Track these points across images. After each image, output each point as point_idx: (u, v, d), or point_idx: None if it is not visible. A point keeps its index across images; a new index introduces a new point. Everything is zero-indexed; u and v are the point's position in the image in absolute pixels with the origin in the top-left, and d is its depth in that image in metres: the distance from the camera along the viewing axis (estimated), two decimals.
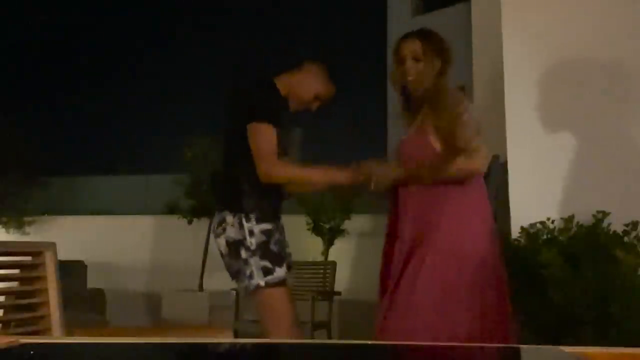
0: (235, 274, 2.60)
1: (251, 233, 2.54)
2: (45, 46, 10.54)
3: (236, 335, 4.66)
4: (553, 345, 1.02)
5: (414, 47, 2.38)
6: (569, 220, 2.97)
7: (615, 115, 3.23)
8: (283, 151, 2.60)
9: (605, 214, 2.93)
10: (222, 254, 2.65)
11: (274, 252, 2.56)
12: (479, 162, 2.27)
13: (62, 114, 9.91)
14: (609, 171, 3.16)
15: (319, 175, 2.59)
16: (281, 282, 2.55)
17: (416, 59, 2.38)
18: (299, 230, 6.29)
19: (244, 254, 2.53)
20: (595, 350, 0.96)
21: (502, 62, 3.43)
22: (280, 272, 2.54)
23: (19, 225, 7.41)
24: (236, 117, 2.62)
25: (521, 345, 1.18)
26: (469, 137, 2.17)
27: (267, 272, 2.52)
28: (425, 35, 2.42)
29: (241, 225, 2.55)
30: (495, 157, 3.54)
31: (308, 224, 6.23)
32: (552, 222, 3.02)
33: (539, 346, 1.08)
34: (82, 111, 10.01)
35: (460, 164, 2.23)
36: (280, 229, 2.72)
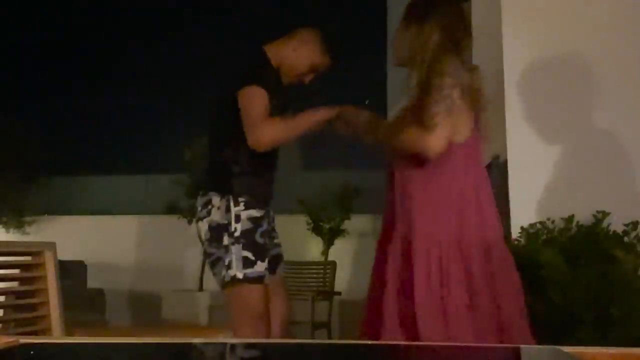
0: (215, 263, 2.38)
1: (237, 218, 2.34)
2: (45, 46, 10.54)
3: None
4: (553, 345, 1.02)
5: (402, 17, 2.26)
6: (569, 220, 2.97)
7: (615, 115, 3.23)
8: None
9: (605, 214, 2.93)
10: (201, 240, 2.44)
11: (258, 243, 2.36)
12: (430, 141, 2.01)
13: (62, 114, 9.91)
14: (609, 171, 3.16)
15: (306, 122, 2.39)
16: (259, 279, 2.34)
17: (398, 36, 2.25)
18: (299, 230, 6.30)
19: (226, 240, 2.33)
20: (595, 350, 0.96)
21: (502, 62, 3.43)
22: (260, 267, 2.34)
23: (19, 225, 7.40)
24: (224, 92, 2.43)
25: (521, 345, 1.18)
26: (434, 112, 2.00)
27: (247, 264, 2.32)
28: (405, 8, 2.28)
29: (228, 209, 2.35)
30: (495, 157, 3.54)
31: (308, 224, 6.23)
32: (552, 222, 3.01)
33: (539, 346, 1.08)
34: (82, 111, 10.01)
35: (410, 137, 2.06)
36: (270, 217, 2.51)
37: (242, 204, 2.36)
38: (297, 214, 6.27)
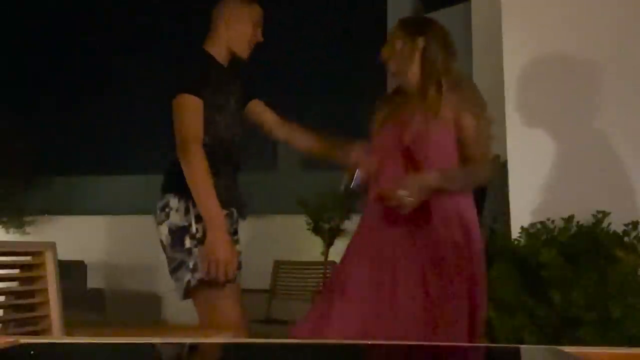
0: (177, 268, 2.28)
1: (198, 219, 2.25)
2: (45, 46, 10.54)
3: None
4: (553, 345, 1.02)
5: (392, 32, 2.32)
6: (569, 220, 2.97)
7: (616, 115, 3.23)
8: (224, 119, 2.35)
9: (605, 214, 2.93)
10: (163, 245, 2.33)
11: None
12: (490, 171, 2.15)
13: (62, 114, 9.91)
14: (609, 171, 3.16)
15: (199, 198, 2.22)
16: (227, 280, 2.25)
17: (392, 43, 2.29)
18: (299, 230, 6.30)
19: (188, 242, 2.24)
20: (595, 350, 0.96)
21: (502, 62, 3.43)
22: None
23: (19, 225, 7.41)
24: (170, 96, 2.34)
25: (521, 345, 1.18)
26: (488, 145, 2.11)
27: None
28: (403, 20, 2.35)
29: (187, 210, 2.26)
30: (496, 157, 3.54)
31: (308, 224, 6.23)
32: (552, 222, 3.01)
33: (539, 346, 1.08)
34: (82, 111, 10.01)
35: (482, 172, 2.13)
36: (233, 219, 2.42)
37: None
38: (297, 214, 6.27)
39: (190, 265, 2.24)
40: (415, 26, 2.29)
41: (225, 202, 2.33)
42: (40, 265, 2.03)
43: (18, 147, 7.35)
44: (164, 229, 2.30)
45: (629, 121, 3.20)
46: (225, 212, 2.31)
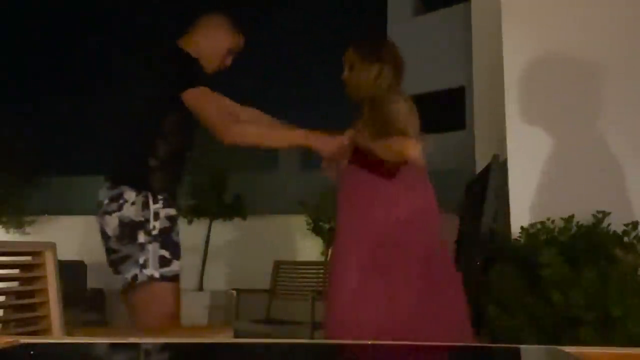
0: (121, 261, 2.27)
1: (156, 216, 2.24)
2: (46, 46, 10.54)
3: (236, 335, 4.67)
4: (553, 345, 1.02)
5: (348, 56, 2.48)
6: (569, 220, 2.97)
7: (616, 115, 3.23)
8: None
9: (605, 214, 2.93)
10: (106, 235, 2.30)
11: (175, 242, 2.28)
12: (413, 146, 2.23)
13: (62, 114, 9.91)
14: (609, 171, 3.16)
15: (282, 140, 2.42)
16: (175, 278, 2.27)
17: (350, 68, 2.47)
18: (299, 230, 6.30)
19: (142, 238, 2.22)
20: (595, 350, 0.96)
21: (502, 62, 3.43)
22: (176, 265, 2.26)
23: (19, 225, 7.41)
24: (146, 87, 2.36)
25: (521, 345, 1.18)
26: (404, 126, 2.24)
27: (163, 263, 2.23)
28: (357, 44, 2.52)
29: (146, 206, 2.24)
30: (495, 157, 3.54)
31: (308, 224, 6.23)
32: (552, 222, 3.01)
33: (539, 346, 1.08)
34: (82, 111, 10.01)
35: (396, 143, 2.25)
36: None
37: (161, 201, 2.27)
38: (297, 214, 6.27)
39: (141, 260, 2.23)
40: (373, 51, 2.45)
41: (177, 197, 2.38)
42: (40, 265, 2.03)
43: (18, 147, 7.35)
44: (113, 220, 2.26)
45: (629, 121, 3.20)
46: (176, 212, 2.34)
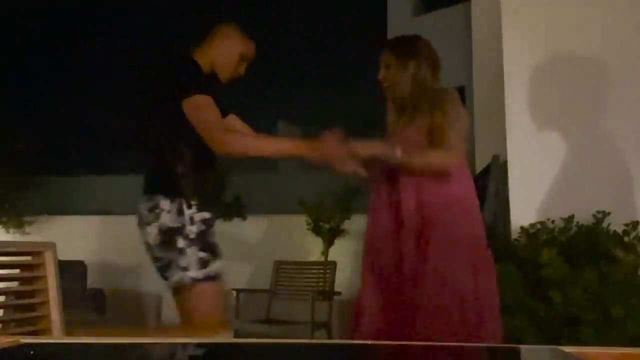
0: (165, 267, 2.36)
1: (192, 221, 2.33)
2: (45, 46, 10.54)
3: (236, 335, 4.66)
4: (553, 345, 1.02)
5: (385, 56, 2.48)
6: (569, 220, 2.97)
7: (616, 115, 3.23)
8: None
9: (605, 214, 2.93)
10: (149, 246, 2.41)
11: (212, 243, 2.38)
12: (454, 157, 2.29)
13: (62, 114, 9.91)
14: (609, 171, 3.16)
15: (273, 149, 2.38)
16: (217, 277, 2.36)
17: (387, 67, 2.47)
18: (299, 230, 6.30)
19: (181, 243, 2.31)
20: (595, 350, 0.96)
21: (502, 62, 3.43)
22: (216, 265, 2.35)
23: (19, 225, 7.40)
24: (159, 96, 2.42)
25: (521, 345, 1.18)
26: (453, 134, 2.26)
27: (204, 264, 2.33)
28: (392, 43, 2.57)
29: (180, 212, 2.33)
30: (495, 157, 3.54)
31: (308, 224, 6.22)
32: (552, 222, 3.01)
33: (539, 346, 1.08)
34: (82, 111, 10.01)
35: (435, 156, 2.30)
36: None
37: (194, 206, 2.36)
38: (297, 214, 6.27)
39: (183, 264, 2.31)
40: (405, 49, 2.47)
41: (211, 200, 2.45)
42: (40, 265, 2.03)
43: (18, 147, 7.35)
44: (153, 230, 2.36)
45: (629, 121, 3.20)
46: (211, 214, 2.40)
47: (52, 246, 2.06)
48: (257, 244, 6.53)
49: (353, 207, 6.11)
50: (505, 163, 3.38)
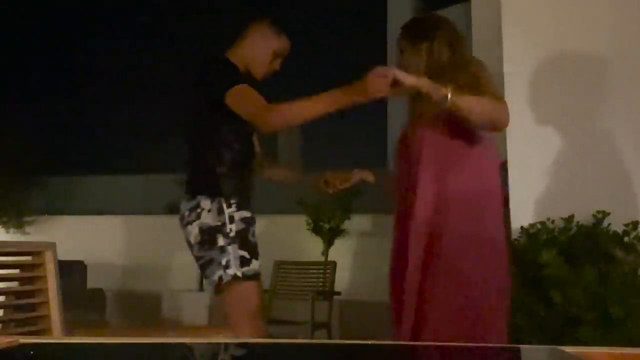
0: (206, 265, 2.41)
1: (231, 219, 2.39)
2: (45, 45, 10.54)
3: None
4: (553, 345, 1.02)
5: (399, 41, 2.37)
6: (569, 220, 2.97)
7: (615, 115, 3.23)
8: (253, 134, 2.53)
9: (605, 214, 2.93)
10: (190, 244, 2.47)
11: (252, 242, 2.43)
12: (506, 110, 2.08)
13: (62, 114, 9.91)
14: (609, 171, 3.16)
15: (325, 103, 2.23)
16: (256, 276, 2.40)
17: (401, 52, 2.35)
18: (299, 230, 6.29)
19: (221, 241, 2.37)
20: (595, 350, 0.96)
21: (502, 62, 3.43)
22: (256, 264, 2.40)
23: (19, 225, 7.40)
24: (199, 98, 2.48)
25: (521, 345, 1.18)
26: (494, 89, 2.11)
27: (244, 262, 2.37)
28: (404, 27, 2.40)
29: (221, 211, 2.39)
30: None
31: (308, 224, 6.22)
32: (552, 222, 3.01)
33: (539, 346, 1.08)
34: (82, 111, 10.01)
35: (490, 102, 2.06)
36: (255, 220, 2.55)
37: (234, 205, 2.41)
38: (297, 214, 6.27)
39: (223, 262, 2.36)
40: (418, 31, 2.34)
41: (250, 199, 2.52)
42: (40, 265, 2.03)
43: (18, 147, 7.35)
44: (194, 229, 2.42)
45: (630, 121, 3.20)
46: (251, 213, 2.47)
47: (52, 246, 2.06)
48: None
49: (353, 207, 6.11)
50: (505, 163, 3.37)
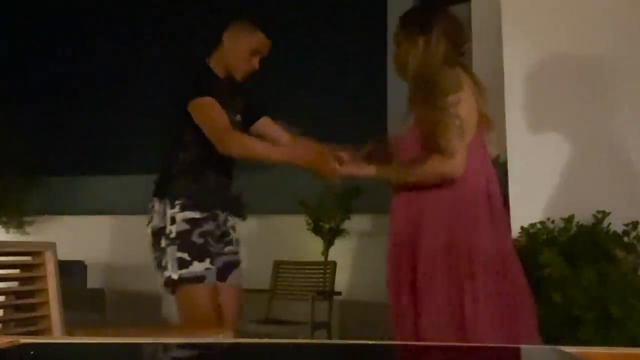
0: (157, 266, 2.45)
1: (172, 220, 2.38)
2: (44, 45, 10.55)
3: (236, 336, 4.66)
4: (553, 345, 1.02)
5: (396, 32, 2.23)
6: (569, 220, 2.97)
7: (615, 115, 3.22)
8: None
9: (605, 214, 2.93)
10: (151, 246, 2.51)
11: (196, 243, 2.36)
12: (455, 166, 2.03)
13: (62, 114, 9.91)
14: (609, 171, 3.16)
15: (278, 156, 2.44)
16: (198, 279, 2.34)
17: (397, 45, 2.21)
18: (299, 230, 6.29)
19: (163, 242, 2.39)
20: (595, 350, 0.96)
21: (502, 62, 3.43)
22: (198, 267, 2.33)
23: (19, 225, 7.40)
24: (168, 102, 2.53)
25: (521, 345, 1.18)
26: (450, 137, 1.99)
27: (182, 264, 2.33)
28: (403, 17, 2.25)
29: (164, 213, 2.42)
30: (495, 157, 3.54)
31: (308, 224, 6.22)
32: (552, 222, 3.01)
33: (539, 346, 1.08)
34: (82, 111, 10.01)
35: (432, 167, 2.05)
36: (219, 221, 2.51)
37: (177, 206, 2.40)
38: (297, 214, 6.27)
39: (163, 263, 2.39)
40: (416, 22, 2.19)
41: (211, 202, 2.47)
42: (40, 265, 2.03)
43: (18, 147, 7.34)
44: (148, 230, 2.50)
45: (630, 121, 3.20)
46: (204, 214, 2.42)
47: (52, 246, 2.06)
48: (257, 244, 6.53)
49: (353, 207, 6.11)
50: (505, 163, 3.37)
